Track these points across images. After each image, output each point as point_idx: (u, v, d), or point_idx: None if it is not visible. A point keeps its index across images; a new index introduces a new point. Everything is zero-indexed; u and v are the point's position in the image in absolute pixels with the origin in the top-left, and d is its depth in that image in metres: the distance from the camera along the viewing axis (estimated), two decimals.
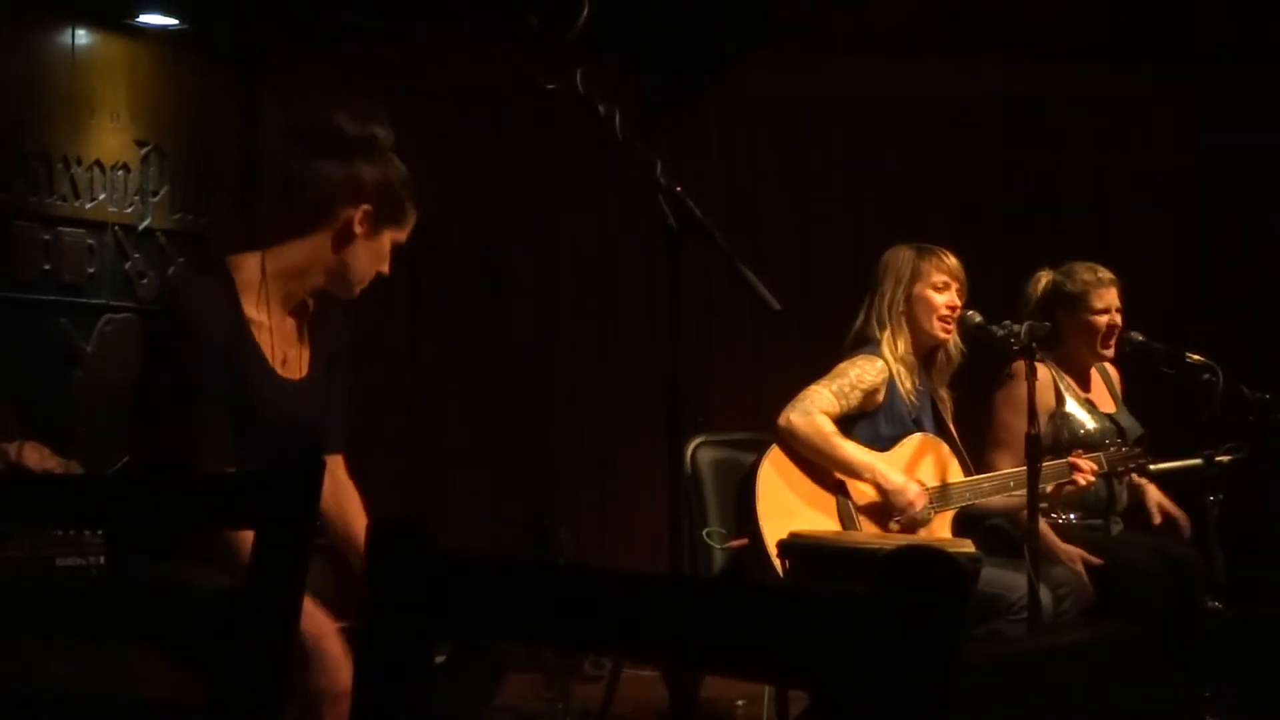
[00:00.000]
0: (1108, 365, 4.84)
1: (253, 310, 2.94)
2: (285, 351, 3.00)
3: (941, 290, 4.33)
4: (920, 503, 4.14)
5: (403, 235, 3.05)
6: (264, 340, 2.94)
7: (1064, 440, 4.46)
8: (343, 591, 2.92)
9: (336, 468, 3.15)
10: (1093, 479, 4.32)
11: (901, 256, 4.38)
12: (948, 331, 4.34)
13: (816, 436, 4.13)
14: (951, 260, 4.36)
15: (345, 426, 3.18)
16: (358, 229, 2.97)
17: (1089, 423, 4.56)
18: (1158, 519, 4.66)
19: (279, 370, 2.97)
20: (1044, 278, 4.71)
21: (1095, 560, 4.36)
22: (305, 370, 3.04)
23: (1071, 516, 4.50)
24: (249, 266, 2.97)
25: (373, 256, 3.02)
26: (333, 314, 3.13)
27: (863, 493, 4.19)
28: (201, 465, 2.85)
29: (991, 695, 2.76)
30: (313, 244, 2.98)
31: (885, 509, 4.18)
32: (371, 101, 3.04)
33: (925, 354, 4.41)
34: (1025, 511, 3.90)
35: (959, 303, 4.33)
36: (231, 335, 2.89)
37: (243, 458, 2.88)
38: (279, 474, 1.75)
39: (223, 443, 2.86)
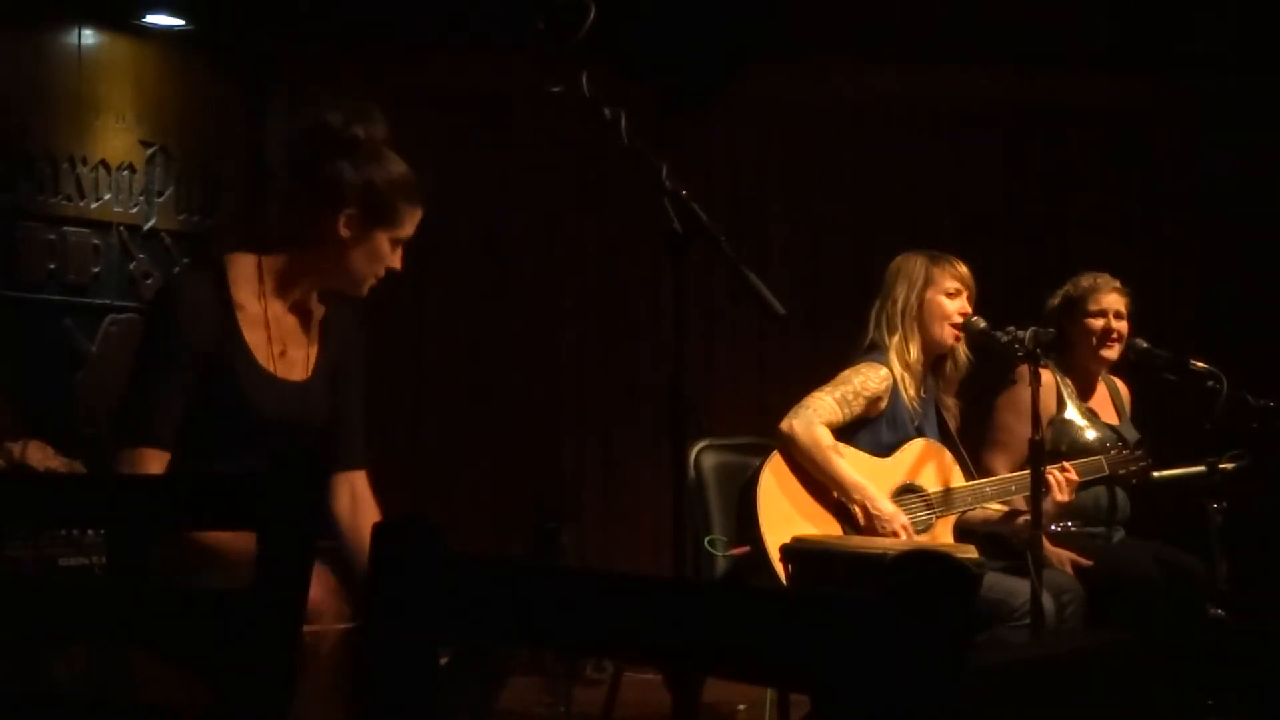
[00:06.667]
0: (1118, 381, 4.84)
1: (246, 299, 2.91)
2: (286, 347, 2.96)
3: (954, 296, 4.33)
4: (904, 535, 4.12)
5: (401, 233, 2.97)
6: (253, 334, 2.91)
7: (1063, 448, 4.45)
8: (348, 594, 2.90)
9: (359, 483, 3.08)
10: (1069, 495, 4.28)
11: (915, 262, 4.39)
12: (957, 339, 4.34)
13: (815, 448, 4.12)
14: (963, 268, 4.37)
15: (364, 441, 3.11)
16: (344, 233, 2.91)
17: (1089, 431, 4.55)
18: None
19: (272, 367, 2.94)
20: (1061, 291, 4.73)
21: (1085, 562, 4.36)
22: (309, 373, 3.01)
23: (1070, 524, 4.48)
24: (245, 263, 2.95)
25: (369, 257, 2.95)
26: (345, 322, 3.09)
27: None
28: (132, 439, 2.82)
29: (993, 702, 2.76)
30: (304, 251, 2.95)
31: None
32: (365, 101, 2.98)
33: (934, 361, 4.40)
34: (1011, 529, 3.91)
35: (970, 310, 4.33)
36: (218, 326, 2.87)
37: (233, 453, 2.86)
38: (281, 476, 1.75)
39: (161, 422, 2.82)
